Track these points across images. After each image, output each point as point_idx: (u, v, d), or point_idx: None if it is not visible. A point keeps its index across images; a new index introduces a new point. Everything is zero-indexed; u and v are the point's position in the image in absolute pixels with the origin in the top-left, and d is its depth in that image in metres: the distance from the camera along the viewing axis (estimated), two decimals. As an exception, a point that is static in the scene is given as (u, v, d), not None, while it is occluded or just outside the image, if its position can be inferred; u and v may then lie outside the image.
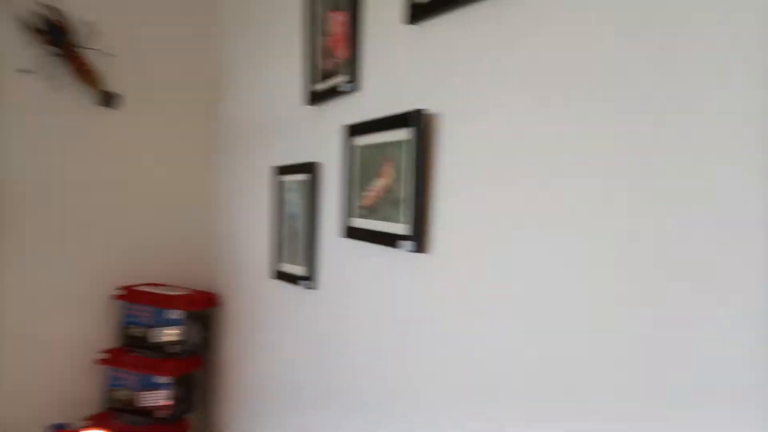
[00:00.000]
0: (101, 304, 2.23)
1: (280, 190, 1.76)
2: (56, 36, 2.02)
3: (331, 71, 1.48)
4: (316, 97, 1.56)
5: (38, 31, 2.01)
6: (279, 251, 1.75)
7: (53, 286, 2.15)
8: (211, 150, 2.42)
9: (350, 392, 1.34)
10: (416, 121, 1.07)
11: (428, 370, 1.07)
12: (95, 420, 2.10)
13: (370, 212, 1.24)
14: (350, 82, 1.38)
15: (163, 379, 2.10)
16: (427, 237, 1.07)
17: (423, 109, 1.07)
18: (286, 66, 1.77)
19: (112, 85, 2.20)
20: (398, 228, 1.13)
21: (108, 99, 2.18)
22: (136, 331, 2.17)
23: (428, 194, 1.07)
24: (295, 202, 1.66)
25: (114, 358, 2.14)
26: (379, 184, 1.20)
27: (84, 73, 2.10)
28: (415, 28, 1.15)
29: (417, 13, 1.12)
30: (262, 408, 1.89)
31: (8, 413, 2.07)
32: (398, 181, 1.13)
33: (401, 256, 1.15)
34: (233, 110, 2.26)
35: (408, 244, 1.09)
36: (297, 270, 1.62)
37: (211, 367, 2.28)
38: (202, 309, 2.23)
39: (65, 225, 2.17)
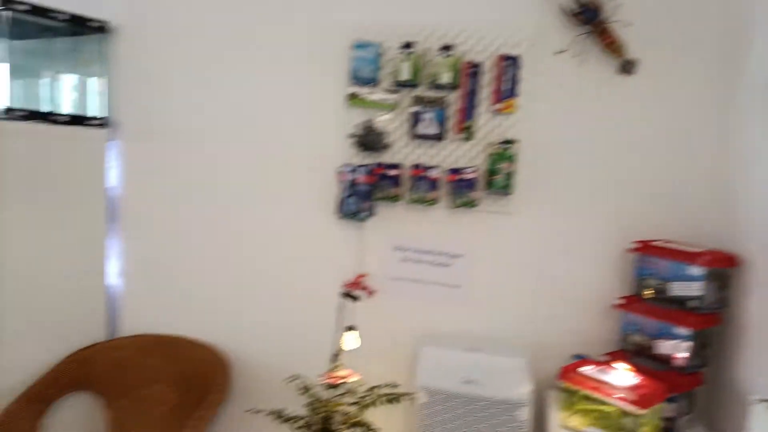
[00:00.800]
0: (615, 255, 2.47)
1: None
2: (589, 15, 2.30)
3: None
4: None
5: (575, 14, 2.32)
6: None
7: (573, 235, 2.50)
8: (731, 106, 2.32)
9: None
10: None
11: None
12: (612, 356, 2.36)
13: None
14: None
15: (682, 331, 2.18)
16: None
17: None
18: None
19: (630, 53, 2.36)
20: None
21: (627, 66, 2.36)
22: (652, 282, 2.31)
23: None
24: None
25: (630, 304, 2.35)
26: None
27: (610, 45, 2.32)
28: None
29: None
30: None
31: (540, 338, 2.54)
32: None
33: None
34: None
35: None
36: None
37: (730, 326, 2.24)
38: (722, 268, 2.20)
39: (585, 182, 2.48)
